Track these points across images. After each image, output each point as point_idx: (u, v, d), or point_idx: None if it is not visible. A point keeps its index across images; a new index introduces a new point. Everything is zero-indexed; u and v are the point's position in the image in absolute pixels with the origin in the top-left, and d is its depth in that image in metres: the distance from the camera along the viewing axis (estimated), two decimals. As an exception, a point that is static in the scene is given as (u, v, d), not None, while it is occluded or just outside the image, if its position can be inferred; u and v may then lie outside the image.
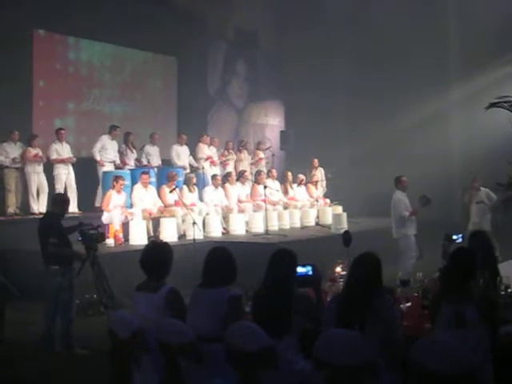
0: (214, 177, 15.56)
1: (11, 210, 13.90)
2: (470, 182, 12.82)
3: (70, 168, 14.60)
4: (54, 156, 14.45)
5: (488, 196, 13.02)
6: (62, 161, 14.48)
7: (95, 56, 17.45)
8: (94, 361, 7.95)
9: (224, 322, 5.12)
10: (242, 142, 18.62)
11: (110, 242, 12.71)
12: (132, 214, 13.35)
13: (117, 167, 15.27)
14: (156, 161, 16.20)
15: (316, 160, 18.45)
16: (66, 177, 14.52)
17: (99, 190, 15.03)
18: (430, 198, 11.80)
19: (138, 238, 12.85)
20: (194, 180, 14.99)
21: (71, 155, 14.65)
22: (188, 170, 16.33)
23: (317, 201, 17.46)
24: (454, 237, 7.48)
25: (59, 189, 14.13)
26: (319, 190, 18.24)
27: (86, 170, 15.10)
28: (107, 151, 15.10)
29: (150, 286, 5.66)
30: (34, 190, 14.10)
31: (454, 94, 19.54)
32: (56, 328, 8.51)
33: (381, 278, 5.20)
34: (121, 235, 13.04)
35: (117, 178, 13.52)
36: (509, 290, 6.31)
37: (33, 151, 14.04)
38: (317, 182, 18.10)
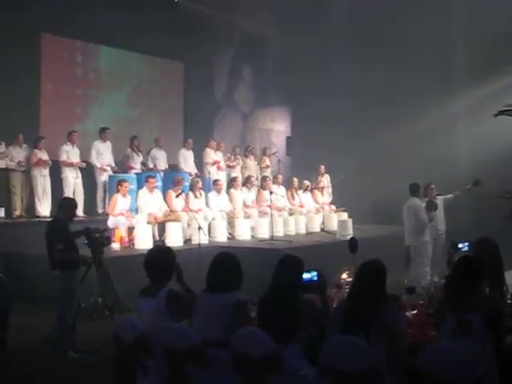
0: (215, 182, 15.57)
1: (17, 212, 13.94)
2: (425, 189, 12.41)
3: (79, 172, 14.63)
4: (63, 158, 14.48)
5: (444, 203, 12.91)
6: (71, 164, 14.49)
7: (103, 60, 17.52)
8: (89, 364, 7.99)
9: (229, 327, 5.13)
10: (249, 147, 18.64)
11: (115, 246, 12.74)
12: (135, 218, 13.38)
13: (114, 171, 15.28)
14: (162, 165, 16.24)
15: (322, 166, 18.47)
16: (74, 181, 14.54)
17: (99, 196, 15.07)
18: (435, 202, 11.81)
19: (144, 242, 12.83)
20: (200, 185, 15.00)
21: (79, 159, 14.66)
22: (194, 175, 16.33)
23: (322, 207, 17.48)
24: (460, 245, 7.46)
25: (67, 192, 14.16)
26: (325, 197, 18.23)
27: (88, 175, 15.11)
28: (102, 156, 15.11)
29: (150, 290, 5.68)
30: (40, 193, 14.14)
31: (460, 102, 19.51)
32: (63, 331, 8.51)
33: (385, 285, 5.21)
34: (127, 239, 13.06)
35: (121, 181, 13.58)
36: (515, 299, 6.30)
37: (39, 154, 14.05)
38: (323, 188, 18.11)
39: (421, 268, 11.43)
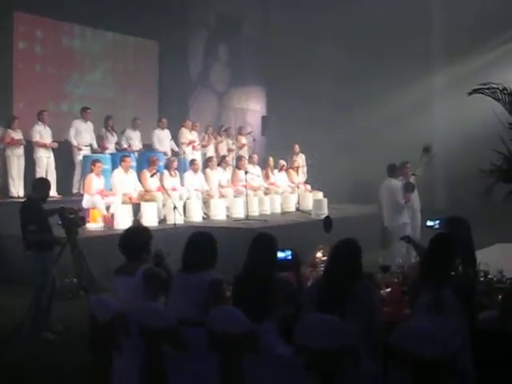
0: (192, 161, 15.52)
1: (-10, 193, 13.83)
2: (400, 169, 12.32)
3: (51, 152, 14.51)
4: (36, 138, 14.32)
5: (417, 181, 12.58)
6: (44, 145, 14.36)
7: (77, 39, 17.35)
8: (64, 345, 7.98)
9: (205, 306, 5.13)
10: (223, 126, 18.59)
11: (98, 225, 12.70)
12: (112, 196, 13.34)
13: (94, 151, 15.20)
14: (137, 145, 16.16)
15: (297, 146, 18.42)
16: (47, 160, 14.44)
17: (76, 175, 14.98)
18: (413, 183, 11.83)
19: (123, 221, 12.75)
20: (175, 164, 14.97)
21: (51, 139, 14.55)
22: (169, 155, 16.28)
23: (298, 187, 17.50)
24: (431, 223, 7.48)
25: (40, 172, 14.02)
26: (300, 176, 18.25)
27: (63, 154, 14.98)
28: (82, 135, 14.98)
29: (127, 269, 5.66)
30: (14, 174, 14.02)
31: (437, 81, 19.60)
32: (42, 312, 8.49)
33: (360, 263, 5.23)
34: (111, 218, 13.02)
35: (94, 161, 13.55)
36: (488, 277, 6.37)
37: (12, 133, 13.91)
38: (298, 167, 18.10)
39: (398, 249, 11.46)
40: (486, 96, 7.31)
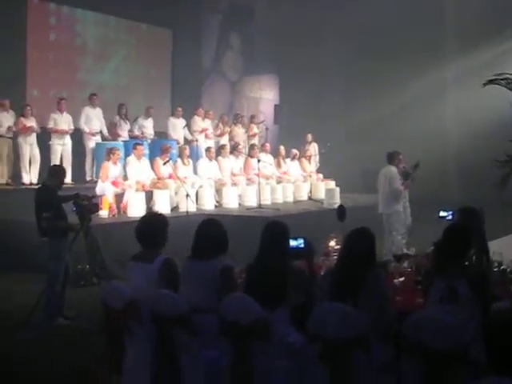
0: (207, 149, 15.54)
1: (3, 180, 13.85)
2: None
3: (67, 139, 14.57)
4: (50, 125, 14.39)
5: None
6: (56, 131, 14.40)
7: (90, 26, 17.34)
8: (78, 331, 8.03)
9: (217, 293, 5.14)
10: (238, 115, 18.56)
11: (103, 213, 12.70)
12: (129, 186, 13.34)
13: (105, 138, 15.22)
14: (150, 133, 16.17)
15: (309, 135, 18.42)
16: (62, 148, 14.47)
17: (88, 163, 15.02)
18: (410, 172, 11.82)
19: (136, 209, 12.78)
20: (188, 152, 14.97)
21: (72, 126, 14.59)
22: (182, 143, 16.29)
23: (310, 176, 17.51)
24: (444, 213, 7.45)
25: (54, 159, 14.07)
26: (312, 165, 18.23)
27: (75, 141, 14.97)
28: (92, 122, 15.03)
29: (145, 256, 5.66)
30: (26, 161, 14.07)
31: (451, 71, 19.51)
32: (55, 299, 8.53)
33: (374, 252, 5.23)
34: (114, 206, 13.03)
35: (112, 149, 13.52)
36: (501, 267, 6.35)
37: (24, 121, 13.94)
38: (310, 156, 18.10)
39: (394, 237, 11.47)
40: (501, 86, 7.27)
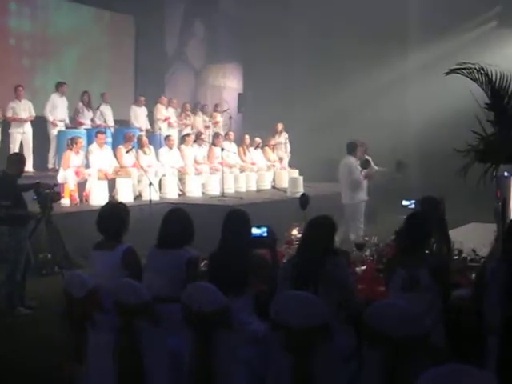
0: (167, 137, 15.51)
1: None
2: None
3: (27, 127, 14.38)
4: (9, 114, 14.20)
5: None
6: (15, 120, 14.24)
7: (51, 13, 17.11)
8: (39, 320, 7.99)
9: (181, 283, 5.13)
10: (198, 104, 18.50)
11: (65, 202, 12.61)
12: (89, 175, 13.26)
13: (67, 126, 15.09)
14: (111, 121, 16.04)
15: (279, 124, 18.28)
16: (22, 136, 14.30)
17: (51, 151, 14.88)
18: (369, 160, 11.92)
19: (99, 198, 12.69)
20: (146, 140, 14.89)
21: (33, 113, 14.43)
22: (144, 131, 16.22)
23: (273, 165, 17.55)
24: (406, 202, 7.52)
25: (13, 148, 13.91)
26: (284, 156, 18.20)
27: (37, 129, 14.81)
28: (57, 110, 14.91)
29: (107, 244, 5.63)
30: (-15, 150, 13.90)
31: (413, 60, 19.61)
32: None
33: (333, 240, 5.27)
34: (76, 195, 12.95)
35: (74, 138, 13.42)
36: (462, 255, 6.43)
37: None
38: (274, 145, 18.08)
39: (357, 226, 11.56)
40: (463, 76, 7.33)
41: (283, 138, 18.38)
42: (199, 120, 17.84)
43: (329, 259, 5.04)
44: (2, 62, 15.68)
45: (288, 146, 18.41)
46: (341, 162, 11.96)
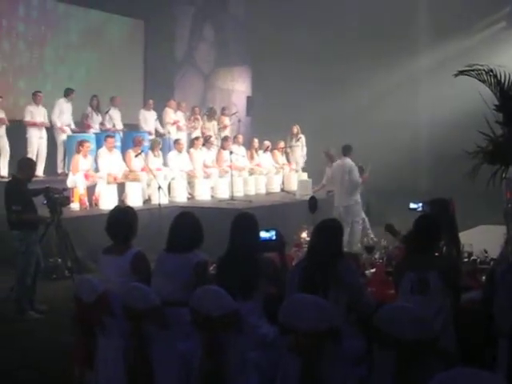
0: (176, 141, 15.49)
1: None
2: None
3: (43, 132, 14.44)
4: (27, 118, 14.21)
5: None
6: (35, 124, 14.26)
7: (62, 18, 17.14)
8: (49, 324, 7.99)
9: (190, 287, 5.13)
10: (211, 109, 18.46)
11: (74, 206, 12.64)
12: (100, 177, 13.29)
13: (74, 131, 15.11)
14: (119, 124, 16.06)
15: (295, 127, 18.18)
16: (38, 141, 14.33)
17: (59, 155, 14.91)
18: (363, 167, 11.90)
19: (108, 202, 12.70)
20: (159, 144, 14.93)
21: (47, 119, 14.47)
22: (154, 135, 16.23)
23: (282, 168, 17.54)
24: (414, 205, 7.47)
25: (30, 152, 13.96)
26: (299, 160, 18.15)
27: (49, 134, 14.79)
28: (63, 116, 14.93)
29: (116, 249, 5.64)
30: (-5, 153, 13.93)
31: (423, 62, 19.58)
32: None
33: (342, 243, 5.27)
34: (85, 199, 12.98)
35: (82, 142, 13.45)
36: (471, 258, 6.40)
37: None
38: (283, 148, 18.04)
39: (355, 227, 11.54)
40: (472, 78, 7.31)
41: (300, 140, 18.26)
42: (209, 124, 17.81)
43: (338, 262, 5.03)
44: (11, 65, 15.73)
45: (305, 148, 18.31)
46: (336, 164, 11.92)
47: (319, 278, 4.98)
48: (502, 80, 7.16)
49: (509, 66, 7.37)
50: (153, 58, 18.98)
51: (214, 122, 17.93)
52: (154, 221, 11.39)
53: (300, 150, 18.25)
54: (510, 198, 7.33)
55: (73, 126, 15.22)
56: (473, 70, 7.27)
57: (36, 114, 14.30)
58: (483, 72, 7.22)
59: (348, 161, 11.74)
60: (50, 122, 14.72)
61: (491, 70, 7.20)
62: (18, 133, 14.20)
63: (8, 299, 8.43)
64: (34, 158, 13.10)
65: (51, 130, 14.93)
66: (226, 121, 18.41)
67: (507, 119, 7.13)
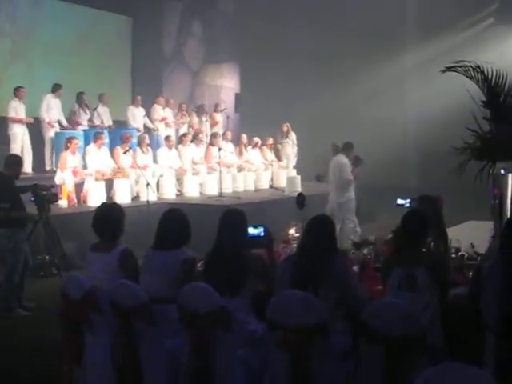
0: (167, 138, 15.50)
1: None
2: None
3: (26, 128, 14.35)
4: (11, 114, 14.13)
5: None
6: (20, 120, 14.20)
7: (48, 14, 17.06)
8: (37, 322, 7.98)
9: (177, 284, 5.12)
10: (201, 106, 18.41)
11: (63, 202, 12.60)
12: (88, 174, 13.25)
13: (63, 127, 15.06)
14: (107, 121, 16.02)
15: (285, 125, 18.14)
16: (22, 137, 14.27)
17: (47, 152, 14.85)
18: (361, 158, 11.89)
19: (97, 199, 12.62)
20: (147, 141, 14.92)
21: (25, 115, 14.39)
22: (142, 132, 16.20)
23: (271, 164, 17.54)
24: (401, 201, 7.49)
25: (15, 148, 13.85)
26: (291, 157, 18.13)
27: (33, 131, 14.75)
28: (52, 111, 14.86)
29: (103, 246, 5.63)
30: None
31: (411, 59, 19.63)
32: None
33: (334, 239, 5.26)
34: (74, 196, 12.94)
35: (70, 138, 13.40)
36: (459, 254, 6.42)
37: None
38: (271, 144, 18.03)
39: (346, 225, 11.55)
40: (459, 74, 7.33)
41: (290, 138, 18.24)
42: (197, 121, 17.78)
43: (330, 258, 5.04)
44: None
45: (295, 147, 18.28)
46: (332, 161, 11.94)
47: (310, 274, 4.98)
48: (489, 76, 7.18)
49: (496, 62, 7.39)
50: (141, 54, 18.94)
51: (203, 119, 17.90)
52: (142, 218, 11.36)
53: (290, 148, 18.21)
54: (497, 194, 7.35)
55: (64, 123, 15.16)
56: (460, 67, 7.29)
57: (19, 109, 14.21)
58: (470, 68, 7.24)
59: (341, 158, 11.73)
60: (38, 117, 14.67)
61: (478, 67, 7.22)
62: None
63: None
64: (19, 155, 13.03)
65: (39, 126, 14.86)
66: (218, 117, 18.39)
67: (494, 115, 7.16)
